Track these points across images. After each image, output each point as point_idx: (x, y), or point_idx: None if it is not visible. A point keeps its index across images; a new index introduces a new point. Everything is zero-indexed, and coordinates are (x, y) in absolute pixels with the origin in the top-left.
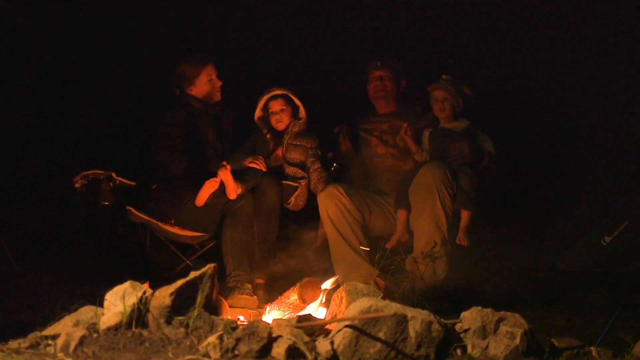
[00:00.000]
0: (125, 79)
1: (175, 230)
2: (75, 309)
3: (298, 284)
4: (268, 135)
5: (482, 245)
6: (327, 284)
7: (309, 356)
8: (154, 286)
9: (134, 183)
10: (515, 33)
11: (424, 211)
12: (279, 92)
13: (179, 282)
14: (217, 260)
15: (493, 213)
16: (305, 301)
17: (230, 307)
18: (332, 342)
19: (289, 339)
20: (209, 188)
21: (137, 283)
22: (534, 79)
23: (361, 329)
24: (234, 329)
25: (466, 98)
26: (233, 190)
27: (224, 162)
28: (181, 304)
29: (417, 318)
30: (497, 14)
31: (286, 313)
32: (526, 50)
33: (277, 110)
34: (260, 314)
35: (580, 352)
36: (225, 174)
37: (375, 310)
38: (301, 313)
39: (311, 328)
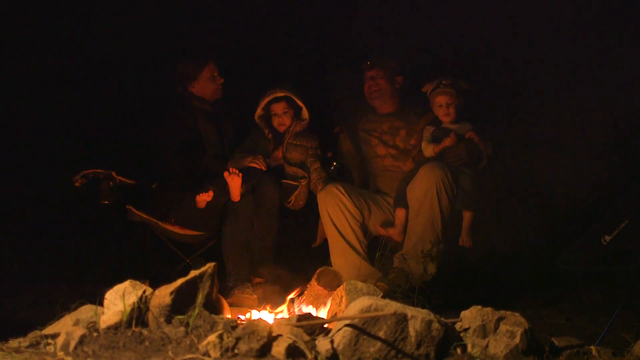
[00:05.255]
0: (125, 78)
1: (175, 229)
2: (75, 308)
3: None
4: (269, 135)
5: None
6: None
7: (309, 355)
8: (154, 285)
9: (134, 182)
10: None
11: (421, 210)
12: (281, 94)
13: (179, 281)
14: (217, 260)
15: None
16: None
17: (230, 306)
18: (332, 341)
19: (289, 338)
20: (204, 199)
21: (137, 282)
22: (533, 77)
23: (361, 328)
24: (234, 327)
25: (466, 94)
26: (239, 195)
27: (236, 170)
28: (181, 303)
29: (417, 317)
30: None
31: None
32: (526, 49)
33: (280, 113)
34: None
35: (580, 351)
36: (235, 181)
37: (375, 309)
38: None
39: (311, 327)
